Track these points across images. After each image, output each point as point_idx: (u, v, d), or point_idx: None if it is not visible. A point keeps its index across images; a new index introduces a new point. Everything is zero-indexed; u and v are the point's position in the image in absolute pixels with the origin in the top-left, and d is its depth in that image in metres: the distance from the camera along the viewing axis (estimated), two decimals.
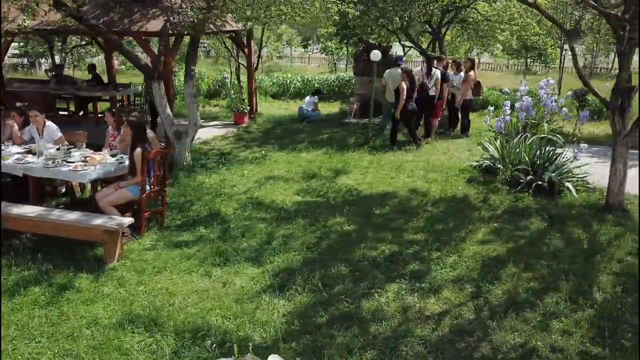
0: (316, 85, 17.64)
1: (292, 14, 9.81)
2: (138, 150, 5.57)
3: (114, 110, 7.06)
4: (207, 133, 11.41)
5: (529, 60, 24.35)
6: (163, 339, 3.91)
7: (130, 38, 12.68)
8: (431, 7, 11.53)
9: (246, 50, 12.20)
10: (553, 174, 7.20)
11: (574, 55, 6.71)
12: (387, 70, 10.74)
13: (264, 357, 1.96)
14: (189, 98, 8.43)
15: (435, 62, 10.34)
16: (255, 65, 14.54)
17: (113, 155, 6.26)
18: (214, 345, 3.82)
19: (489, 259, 5.26)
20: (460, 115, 11.04)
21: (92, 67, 13.18)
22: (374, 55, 9.91)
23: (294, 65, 30.82)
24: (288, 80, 18.14)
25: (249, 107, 12.54)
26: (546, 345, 3.90)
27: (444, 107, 11.80)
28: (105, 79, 12.97)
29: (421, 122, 10.78)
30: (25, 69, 24.09)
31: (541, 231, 5.96)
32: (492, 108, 10.66)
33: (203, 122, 12.99)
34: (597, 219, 6.29)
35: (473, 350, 3.86)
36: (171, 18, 8.66)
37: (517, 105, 8.22)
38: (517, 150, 7.81)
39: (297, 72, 22.03)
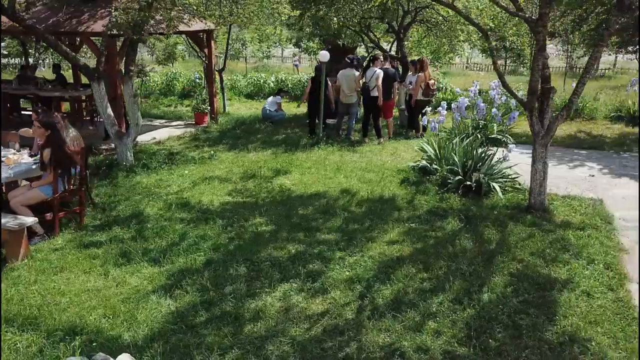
0: (290, 85, 17.69)
1: (242, 14, 9.87)
2: (47, 150, 5.62)
3: (39, 110, 7.10)
4: (164, 133, 11.46)
5: (508, 60, 24.34)
6: (33, 337, 3.96)
7: None
8: (390, 7, 11.55)
9: (205, 50, 12.22)
10: (482, 175, 7.22)
11: (493, 56, 6.72)
12: (341, 72, 10.76)
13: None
14: (128, 98, 8.47)
15: (376, 62, 10.32)
16: (222, 66, 14.67)
17: (33, 156, 6.31)
18: (80, 344, 3.87)
19: (391, 260, 5.30)
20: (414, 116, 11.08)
21: (56, 67, 13.26)
22: (322, 56, 9.95)
23: (285, 64, 30.91)
24: (262, 81, 18.18)
25: (209, 108, 12.56)
26: (412, 346, 3.93)
27: (403, 107, 11.87)
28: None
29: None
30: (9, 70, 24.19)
31: (454, 232, 5.99)
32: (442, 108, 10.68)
33: (166, 122, 13.16)
34: (515, 219, 6.32)
35: (338, 350, 3.90)
36: (115, 19, 8.70)
37: (452, 105, 8.24)
38: (452, 151, 7.83)
39: (287, 72, 22.15)
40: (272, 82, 18.06)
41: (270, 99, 13.24)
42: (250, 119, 13.23)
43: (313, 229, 6.06)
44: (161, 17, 10.55)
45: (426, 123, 9.01)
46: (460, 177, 7.28)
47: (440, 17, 12.34)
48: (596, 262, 5.26)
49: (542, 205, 6.55)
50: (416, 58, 12.17)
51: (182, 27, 10.71)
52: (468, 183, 7.18)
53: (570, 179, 8.05)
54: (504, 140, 10.10)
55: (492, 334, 4.07)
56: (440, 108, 8.51)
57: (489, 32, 11.31)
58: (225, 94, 14.71)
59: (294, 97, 16.41)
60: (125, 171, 8.21)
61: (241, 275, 4.99)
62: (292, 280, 4.90)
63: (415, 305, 4.46)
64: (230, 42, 27.46)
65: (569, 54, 20.32)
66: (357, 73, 10.45)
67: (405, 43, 17.64)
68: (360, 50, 16.57)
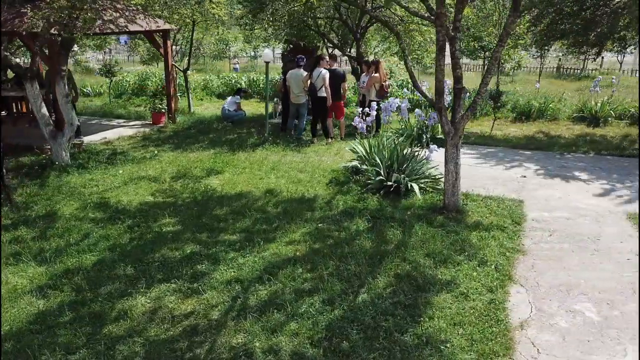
0: (261, 85, 17.70)
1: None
2: None
3: None
4: (117, 133, 11.49)
5: (485, 60, 24.17)
6: None
7: None
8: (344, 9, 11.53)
9: (161, 50, 12.25)
10: (403, 175, 7.19)
11: (405, 56, 6.67)
12: (290, 72, 10.75)
13: None
14: (61, 98, 8.48)
15: (322, 62, 10.29)
16: (186, 66, 14.70)
17: None
18: None
19: (282, 260, 5.28)
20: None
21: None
22: (265, 56, 9.93)
23: (275, 64, 30.89)
24: (233, 80, 18.21)
25: (166, 108, 12.58)
26: (264, 347, 3.92)
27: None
28: None
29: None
30: None
31: (358, 232, 5.97)
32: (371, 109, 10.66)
33: (124, 122, 13.18)
34: (425, 219, 6.29)
35: (188, 350, 3.89)
36: (52, 18, 8.72)
37: (382, 105, 8.21)
38: (380, 152, 7.80)
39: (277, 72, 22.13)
40: (244, 82, 18.09)
41: (229, 99, 13.24)
42: (212, 118, 13.25)
43: (218, 230, 6.05)
44: (111, 17, 10.59)
45: (386, 121, 8.94)
46: (381, 177, 7.25)
47: (397, 18, 12.29)
48: (488, 263, 5.23)
49: (455, 206, 6.52)
50: (370, 59, 12.15)
51: (134, 27, 10.77)
52: (389, 183, 7.15)
53: (502, 180, 8.02)
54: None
55: (349, 336, 4.05)
56: (368, 109, 8.46)
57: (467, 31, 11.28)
58: (190, 94, 14.71)
59: (264, 97, 16.40)
60: (58, 171, 8.23)
61: (125, 275, 4.99)
62: (174, 280, 4.89)
63: (285, 306, 4.44)
64: (214, 42, 27.55)
65: (542, 55, 20.20)
66: (305, 73, 10.43)
67: (374, 44, 17.62)
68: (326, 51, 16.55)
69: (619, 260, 5.37)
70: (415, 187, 7.05)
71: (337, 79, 10.48)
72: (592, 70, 27.44)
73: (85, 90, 18.36)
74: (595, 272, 5.14)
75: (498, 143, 10.58)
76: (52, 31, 8.37)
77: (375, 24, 13.35)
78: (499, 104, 12.14)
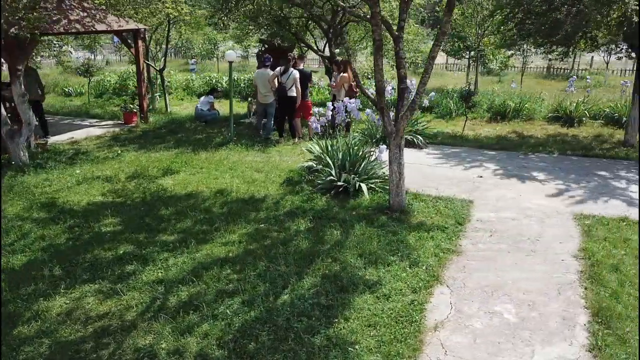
0: (241, 85, 17.67)
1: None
2: None
3: None
4: (86, 132, 11.49)
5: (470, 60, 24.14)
6: None
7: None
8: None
9: (132, 50, 12.23)
10: (352, 175, 7.17)
11: (348, 56, 6.65)
12: (256, 71, 10.73)
13: None
14: (17, 98, 8.46)
15: (294, 61, 10.28)
16: (162, 65, 14.68)
17: None
18: None
19: (214, 260, 5.26)
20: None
21: None
22: (228, 56, 9.91)
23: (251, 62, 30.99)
24: (214, 80, 18.19)
25: (138, 107, 12.56)
26: (169, 348, 3.90)
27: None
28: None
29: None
30: None
31: (298, 232, 5.95)
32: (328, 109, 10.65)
33: (97, 121, 13.17)
34: (367, 220, 6.26)
35: (92, 352, 3.87)
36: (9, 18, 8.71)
37: (335, 105, 8.17)
38: (334, 152, 7.77)
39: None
40: (225, 81, 18.07)
41: (203, 98, 13.22)
42: (186, 118, 13.22)
43: (158, 230, 6.03)
44: (77, 17, 10.57)
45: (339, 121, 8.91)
46: (332, 177, 7.23)
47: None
48: (419, 264, 5.20)
49: (400, 206, 6.50)
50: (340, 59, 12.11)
51: (103, 27, 10.74)
52: (339, 184, 7.13)
53: (457, 180, 7.99)
54: (413, 141, 10.04)
55: (259, 337, 4.03)
56: (322, 109, 8.42)
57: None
58: (166, 93, 14.70)
59: (245, 96, 16.41)
60: (15, 170, 8.22)
61: (52, 275, 4.98)
62: (99, 281, 4.87)
63: (202, 307, 4.42)
64: (203, 42, 27.52)
65: (524, 55, 20.17)
66: (271, 73, 10.41)
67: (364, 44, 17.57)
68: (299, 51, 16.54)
69: (553, 261, 5.34)
70: (364, 187, 7.03)
71: (304, 78, 10.46)
72: (582, 70, 27.36)
73: (66, 90, 18.34)
74: (526, 273, 5.12)
75: (465, 143, 10.54)
76: (10, 31, 8.37)
77: (350, 24, 13.32)
78: (470, 104, 12.10)
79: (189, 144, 10.20)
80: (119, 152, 9.65)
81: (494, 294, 4.71)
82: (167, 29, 14.24)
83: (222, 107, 13.78)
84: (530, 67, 26.94)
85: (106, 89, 18.15)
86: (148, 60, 14.80)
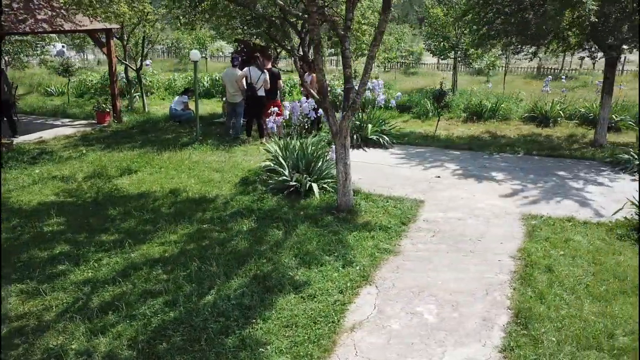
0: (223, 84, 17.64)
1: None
2: None
3: None
4: (56, 132, 11.47)
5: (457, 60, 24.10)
6: None
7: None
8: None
9: (104, 49, 12.22)
10: (304, 175, 7.15)
11: (294, 57, 6.63)
12: (225, 71, 10.72)
13: None
14: None
15: (261, 61, 10.27)
16: (139, 65, 14.64)
17: None
18: None
19: (147, 261, 5.24)
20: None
21: None
22: (193, 55, 9.90)
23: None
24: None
25: (111, 107, 12.54)
26: (79, 348, 3.88)
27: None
28: None
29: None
30: None
31: (240, 232, 5.93)
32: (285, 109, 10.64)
33: (70, 121, 13.15)
34: (313, 219, 6.24)
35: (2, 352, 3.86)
36: None
37: (288, 104, 8.15)
38: (292, 152, 7.74)
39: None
40: (206, 81, 18.07)
41: (177, 98, 13.20)
42: (161, 118, 13.20)
43: (100, 230, 6.02)
44: (45, 16, 10.56)
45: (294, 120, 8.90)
46: (285, 177, 7.21)
47: (340, 19, 12.23)
48: (354, 264, 5.18)
49: (347, 206, 6.48)
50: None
51: (72, 26, 10.74)
52: (292, 184, 7.11)
53: (415, 180, 7.96)
54: (379, 141, 10.02)
55: (172, 338, 4.01)
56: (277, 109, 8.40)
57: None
58: (143, 93, 14.68)
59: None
60: None
61: None
62: (27, 281, 4.86)
63: (121, 307, 4.40)
64: (191, 42, 27.49)
65: (507, 55, 20.11)
66: (240, 72, 10.39)
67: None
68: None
69: (490, 262, 5.32)
70: (315, 187, 7.01)
71: (273, 78, 10.45)
72: (573, 70, 27.33)
73: (48, 89, 18.33)
74: (459, 273, 5.09)
75: (433, 143, 10.50)
76: None
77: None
78: (443, 104, 12.07)
79: (156, 144, 10.18)
80: (84, 152, 9.64)
81: (420, 295, 4.69)
82: (143, 29, 14.22)
83: (203, 106, 13.74)
84: (521, 67, 26.94)
85: (88, 88, 18.12)
86: (127, 60, 14.80)
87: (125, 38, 14.51)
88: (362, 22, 11.66)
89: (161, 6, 10.79)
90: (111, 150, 9.77)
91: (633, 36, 9.29)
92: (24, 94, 17.65)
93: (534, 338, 4.00)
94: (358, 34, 11.92)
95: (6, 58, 16.69)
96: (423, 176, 8.19)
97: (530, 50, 10.85)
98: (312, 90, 6.13)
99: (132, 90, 14.99)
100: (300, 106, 7.86)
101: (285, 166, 7.33)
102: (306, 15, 5.69)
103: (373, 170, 8.50)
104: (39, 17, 10.29)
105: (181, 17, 10.05)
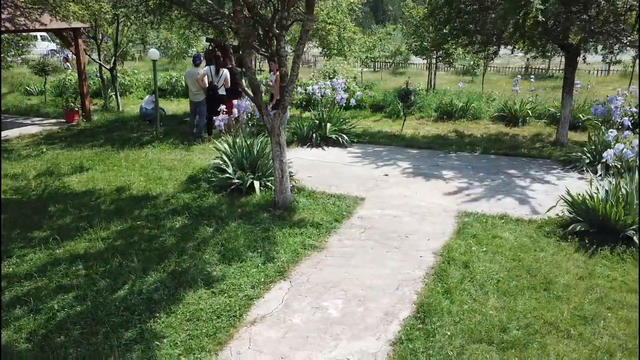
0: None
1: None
2: None
3: None
4: (22, 131, 11.52)
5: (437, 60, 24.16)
6: None
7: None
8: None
9: (72, 49, 12.29)
10: (247, 173, 7.20)
11: (279, 56, 6.64)
12: (187, 70, 10.78)
13: None
14: None
15: (222, 60, 10.33)
16: (112, 65, 14.71)
17: None
18: None
19: (71, 256, 5.30)
20: None
21: None
22: (152, 54, 9.96)
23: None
24: (174, 79, 18.24)
25: (79, 106, 12.61)
26: None
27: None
28: None
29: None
30: None
31: (170, 229, 5.98)
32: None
33: (41, 119, 13.21)
34: (248, 216, 6.29)
35: None
36: None
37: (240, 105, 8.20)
38: (239, 150, 7.79)
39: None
40: (184, 80, 18.14)
41: (147, 97, 13.23)
42: (134, 117, 13.24)
43: (35, 226, 6.07)
44: (9, 15, 10.60)
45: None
46: (228, 175, 7.26)
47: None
48: (275, 260, 5.23)
49: (284, 203, 6.52)
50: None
51: (38, 26, 10.77)
52: (235, 181, 7.16)
53: (363, 178, 8.01)
54: (338, 140, 10.07)
55: (72, 331, 4.06)
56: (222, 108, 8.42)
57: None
58: (117, 92, 14.75)
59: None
60: None
61: None
62: None
63: (29, 301, 4.45)
64: (177, 42, 27.54)
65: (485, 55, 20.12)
66: (201, 72, 10.45)
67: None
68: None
69: (411, 258, 5.36)
70: (256, 185, 7.06)
71: (233, 77, 10.50)
72: (558, 70, 27.37)
73: (28, 88, 18.40)
74: (378, 269, 5.14)
75: (395, 142, 10.53)
76: None
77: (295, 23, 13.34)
78: (408, 103, 12.12)
79: (117, 142, 10.23)
80: (44, 150, 9.69)
81: (332, 290, 4.74)
82: (116, 29, 14.29)
83: (179, 105, 13.82)
84: (509, 67, 26.98)
85: (67, 88, 18.18)
86: (100, 60, 14.88)
87: (100, 37, 14.61)
88: (328, 21, 11.71)
89: (121, 5, 10.83)
90: (71, 148, 9.82)
91: (589, 36, 9.33)
92: (6, 93, 17.77)
93: (428, 331, 4.04)
94: (323, 33, 11.99)
95: (9, 58, 16.76)
96: (373, 174, 8.23)
97: (491, 50, 10.91)
98: (246, 89, 6.17)
99: (109, 90, 15.05)
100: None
101: (230, 164, 7.38)
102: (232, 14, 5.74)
103: (326, 168, 8.55)
104: (3, 16, 10.35)
105: (130, 16, 10.12)
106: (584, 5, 8.79)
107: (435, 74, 19.65)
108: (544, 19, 8.04)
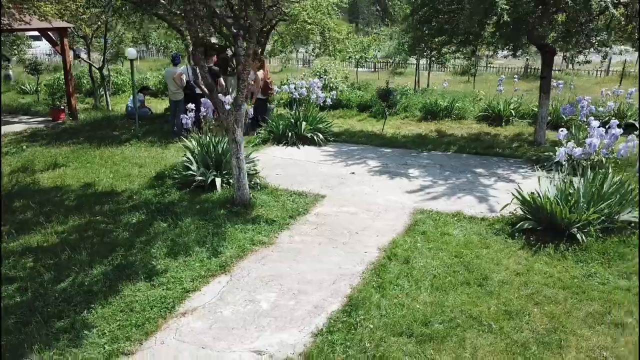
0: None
1: None
2: None
3: None
4: (7, 129, 11.72)
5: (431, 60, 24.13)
6: None
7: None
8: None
9: (57, 48, 12.48)
10: (210, 170, 7.31)
11: (261, 54, 6.77)
12: (166, 70, 10.93)
13: None
14: None
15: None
16: (101, 64, 14.91)
17: None
18: None
19: (22, 249, 5.43)
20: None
21: None
22: (129, 54, 10.11)
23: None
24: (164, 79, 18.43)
25: (66, 104, 12.81)
26: None
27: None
28: None
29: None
30: None
31: (125, 224, 6.10)
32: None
33: (28, 118, 13.42)
34: (203, 213, 6.40)
35: None
36: None
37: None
38: (204, 147, 7.90)
39: None
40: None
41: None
42: (122, 116, 13.42)
43: None
44: None
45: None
46: (191, 172, 7.37)
47: (287, 17, 12.36)
48: (220, 255, 5.33)
49: (242, 200, 6.63)
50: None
51: (21, 25, 10.94)
52: (198, 178, 7.28)
53: (329, 176, 8.09)
54: (314, 139, 10.16)
55: (5, 321, 4.19)
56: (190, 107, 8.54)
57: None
58: (106, 91, 14.95)
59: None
60: None
61: None
62: None
63: None
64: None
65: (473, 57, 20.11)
66: (178, 71, 10.59)
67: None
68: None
69: (356, 253, 5.44)
70: (217, 182, 7.17)
71: (213, 76, 10.61)
72: (558, 70, 27.27)
73: (23, 87, 18.68)
74: (321, 264, 5.22)
75: (371, 142, 10.59)
76: None
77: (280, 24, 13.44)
78: (389, 103, 12.17)
79: (97, 140, 10.39)
80: (23, 147, 9.88)
81: (269, 284, 4.83)
82: (105, 29, 14.48)
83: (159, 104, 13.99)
84: (509, 67, 26.93)
85: (61, 87, 18.41)
86: (90, 60, 15.09)
87: (90, 37, 14.81)
88: (308, 21, 11.78)
89: (97, 6, 11.01)
90: (50, 146, 10.00)
91: (565, 37, 9.33)
92: (3, 92, 18.04)
93: (351, 324, 4.13)
94: (303, 33, 12.06)
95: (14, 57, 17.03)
96: (340, 173, 8.31)
97: (466, 50, 10.95)
98: (202, 86, 6.28)
99: (99, 89, 15.25)
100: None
101: (193, 161, 7.49)
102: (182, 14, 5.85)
103: (296, 166, 8.65)
104: None
105: (102, 16, 10.29)
106: (554, 6, 8.82)
107: (429, 74, 19.70)
108: (508, 19, 8.08)
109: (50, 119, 13.00)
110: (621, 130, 6.04)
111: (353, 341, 3.92)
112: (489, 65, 28.01)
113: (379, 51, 27.32)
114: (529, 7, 8.69)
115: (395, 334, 4.01)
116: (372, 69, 29.55)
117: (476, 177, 8.13)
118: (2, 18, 10.82)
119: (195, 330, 4.11)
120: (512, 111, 13.02)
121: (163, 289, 4.68)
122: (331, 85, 16.24)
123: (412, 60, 30.82)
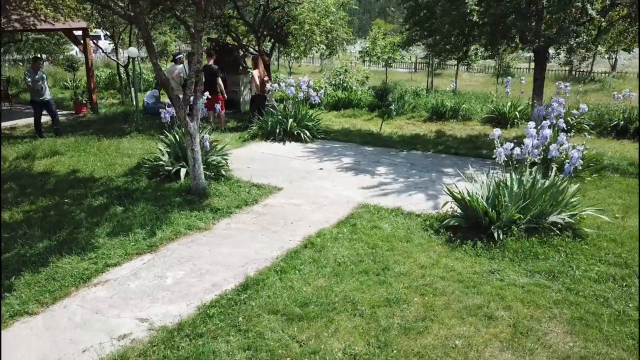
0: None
1: None
2: None
3: None
4: (31, 120, 12.80)
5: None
6: None
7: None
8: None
9: (80, 47, 13.48)
10: (179, 162, 7.84)
11: (259, 52, 7.29)
12: (167, 67, 11.61)
13: None
14: None
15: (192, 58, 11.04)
16: (126, 62, 15.88)
17: None
18: None
19: None
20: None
21: None
22: (130, 52, 10.84)
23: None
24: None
25: (87, 99, 13.81)
26: None
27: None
28: None
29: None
30: None
31: (88, 207, 6.71)
32: None
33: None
34: (159, 199, 6.91)
35: None
36: None
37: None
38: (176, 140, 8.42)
39: None
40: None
41: (149, 92, 14.26)
42: (140, 111, 14.29)
43: None
44: (18, 16, 11.86)
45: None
46: (161, 162, 7.93)
47: (289, 18, 12.79)
48: (155, 236, 5.81)
49: (198, 189, 7.09)
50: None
51: (46, 26, 11.95)
52: (168, 168, 7.82)
53: (297, 171, 8.43)
54: (300, 135, 10.51)
55: None
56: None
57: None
58: (131, 88, 15.91)
59: None
60: None
61: None
62: None
63: None
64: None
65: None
66: (178, 68, 11.25)
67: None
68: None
69: (280, 241, 5.75)
70: (182, 172, 7.68)
71: (212, 75, 11.20)
72: (603, 73, 26.23)
73: (65, 84, 20.09)
74: (243, 249, 5.58)
75: (363, 140, 10.80)
76: None
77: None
78: (386, 103, 12.33)
79: (104, 132, 11.20)
80: (36, 136, 10.82)
81: (184, 263, 5.25)
82: (129, 31, 15.47)
83: None
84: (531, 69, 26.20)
85: (97, 83, 19.69)
86: (117, 58, 16.11)
87: (117, 37, 15.84)
88: (307, 22, 12.16)
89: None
90: (59, 136, 10.88)
91: (559, 37, 9.21)
92: (50, 88, 19.50)
93: (235, 301, 4.48)
94: (302, 32, 12.44)
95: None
96: (309, 168, 8.63)
97: (459, 54, 10.96)
98: (172, 82, 6.79)
99: (125, 86, 16.27)
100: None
101: (165, 153, 8.04)
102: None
103: (270, 161, 9.05)
104: (12, 17, 11.60)
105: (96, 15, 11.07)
106: (536, 10, 8.76)
107: (457, 75, 19.58)
108: (477, 20, 8.12)
109: (74, 112, 14.03)
110: (551, 132, 6.03)
111: (228, 315, 4.27)
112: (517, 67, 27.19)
113: (416, 52, 27.20)
114: (504, 8, 8.65)
115: (270, 312, 4.32)
116: (413, 70, 29.49)
117: (441, 176, 8.22)
118: (27, 19, 11.85)
119: (98, 299, 4.59)
120: (518, 113, 12.86)
121: (88, 263, 5.21)
122: (344, 85, 16.53)
123: (452, 61, 30.66)
